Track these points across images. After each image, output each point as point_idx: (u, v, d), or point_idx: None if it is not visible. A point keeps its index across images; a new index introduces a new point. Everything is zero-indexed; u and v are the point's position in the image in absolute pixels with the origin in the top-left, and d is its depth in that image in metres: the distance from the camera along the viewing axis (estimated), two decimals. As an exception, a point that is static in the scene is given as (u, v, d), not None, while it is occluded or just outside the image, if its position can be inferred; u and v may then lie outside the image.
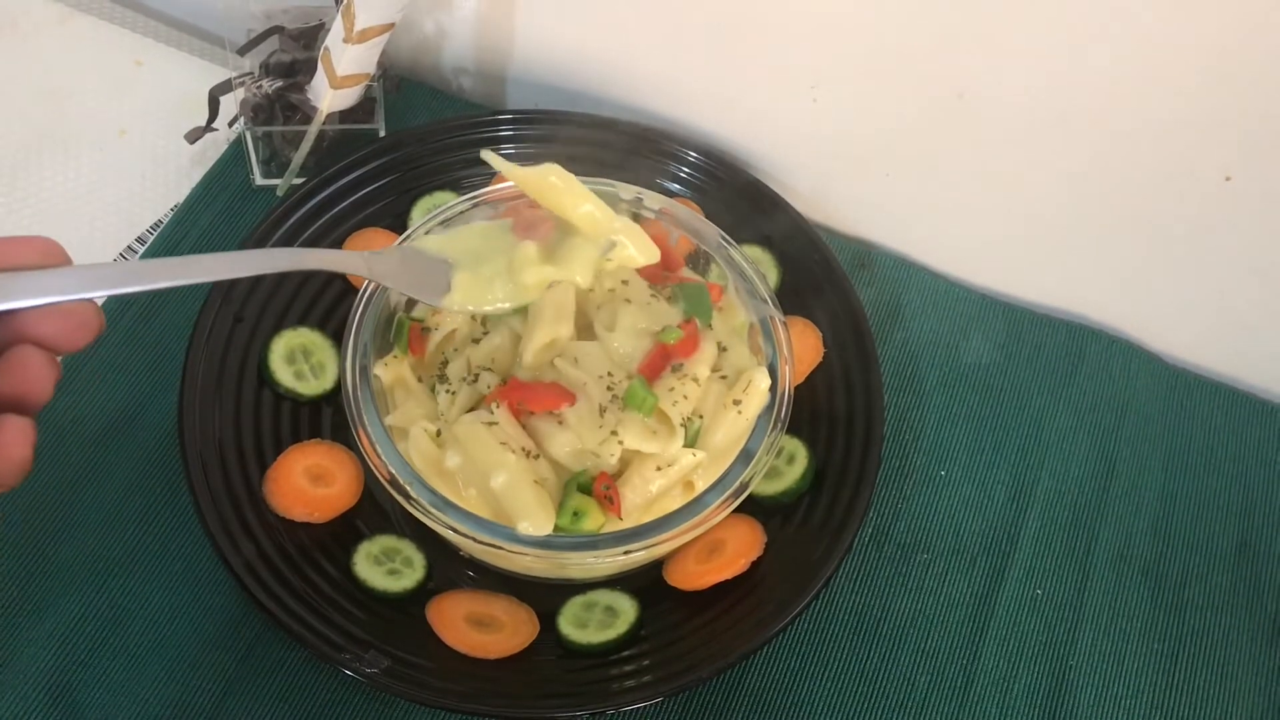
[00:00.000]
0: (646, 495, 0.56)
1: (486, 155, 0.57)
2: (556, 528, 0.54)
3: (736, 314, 0.62)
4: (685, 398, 0.57)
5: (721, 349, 0.60)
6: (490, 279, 0.56)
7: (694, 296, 0.60)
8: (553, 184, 0.57)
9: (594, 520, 0.54)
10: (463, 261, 0.57)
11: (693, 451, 0.56)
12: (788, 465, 0.62)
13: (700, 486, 0.56)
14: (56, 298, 0.37)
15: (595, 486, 0.55)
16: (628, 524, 0.55)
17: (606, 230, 0.57)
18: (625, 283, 0.60)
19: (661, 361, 0.57)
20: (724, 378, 0.59)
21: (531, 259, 0.56)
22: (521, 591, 0.59)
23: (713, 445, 0.58)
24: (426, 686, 0.54)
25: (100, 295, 0.39)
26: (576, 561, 0.54)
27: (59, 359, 0.39)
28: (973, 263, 0.74)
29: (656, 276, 0.61)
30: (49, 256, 0.38)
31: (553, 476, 0.55)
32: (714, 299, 0.61)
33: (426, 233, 0.59)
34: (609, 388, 0.56)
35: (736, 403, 0.58)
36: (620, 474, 0.56)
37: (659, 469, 0.56)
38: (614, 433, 0.55)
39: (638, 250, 0.58)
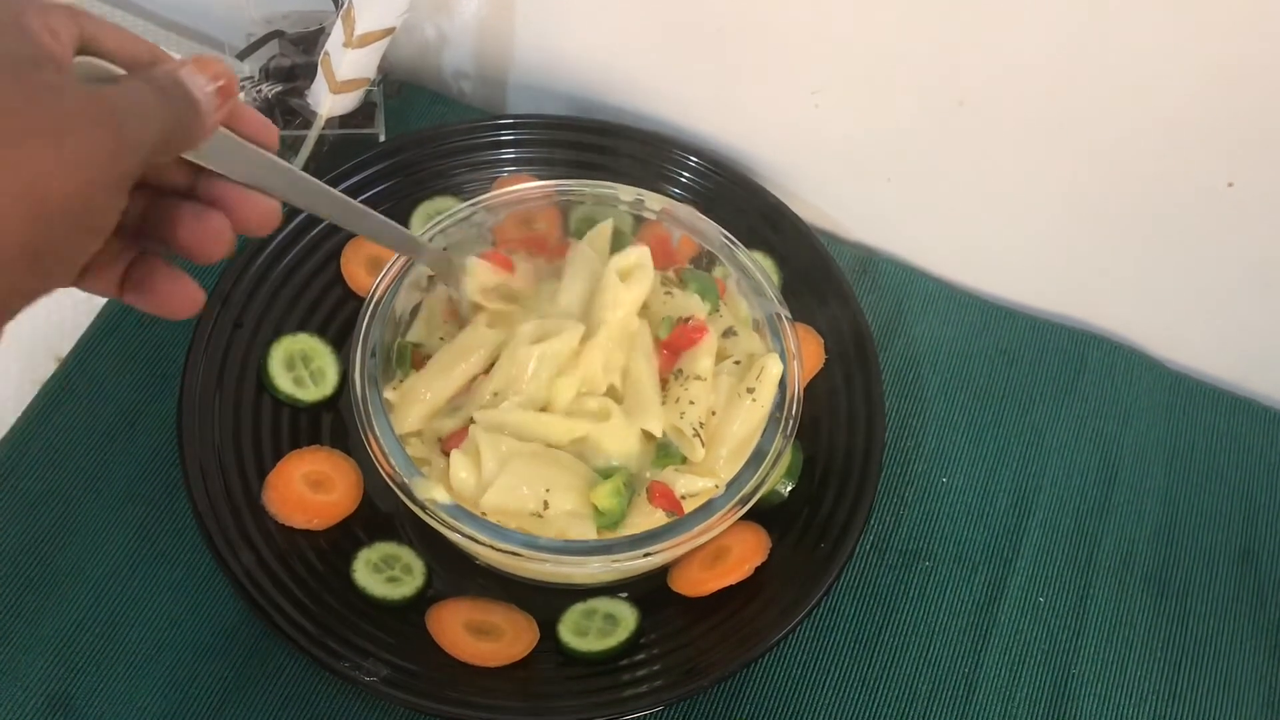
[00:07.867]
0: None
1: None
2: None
3: (740, 307, 0.62)
4: (692, 404, 0.57)
5: (732, 333, 0.61)
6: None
7: (701, 279, 0.62)
8: None
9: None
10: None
11: (708, 481, 0.57)
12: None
13: (725, 476, 0.57)
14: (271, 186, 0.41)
15: (653, 498, 0.55)
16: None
17: None
18: None
19: (669, 361, 0.58)
20: (737, 363, 0.60)
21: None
22: (521, 599, 0.59)
23: (729, 436, 0.58)
24: (426, 694, 0.54)
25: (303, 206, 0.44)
26: (591, 567, 0.54)
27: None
28: (974, 268, 0.74)
29: (661, 270, 0.62)
30: (269, 140, 0.41)
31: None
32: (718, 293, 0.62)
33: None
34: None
35: (750, 390, 0.58)
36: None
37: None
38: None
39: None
